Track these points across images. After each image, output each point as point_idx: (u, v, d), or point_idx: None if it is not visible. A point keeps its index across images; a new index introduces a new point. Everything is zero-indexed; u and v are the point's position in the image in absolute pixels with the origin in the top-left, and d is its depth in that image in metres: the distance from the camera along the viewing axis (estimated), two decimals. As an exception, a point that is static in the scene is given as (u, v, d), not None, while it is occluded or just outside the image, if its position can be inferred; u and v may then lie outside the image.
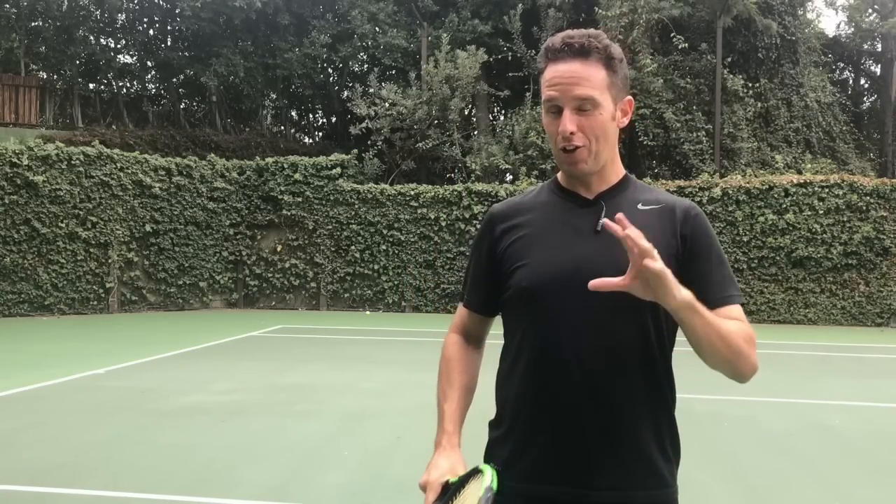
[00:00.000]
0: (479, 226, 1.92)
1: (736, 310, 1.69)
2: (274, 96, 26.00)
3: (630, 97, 1.77)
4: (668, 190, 17.07)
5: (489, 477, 1.55)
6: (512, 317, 1.79)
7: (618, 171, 1.79)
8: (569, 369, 1.66)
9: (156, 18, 24.51)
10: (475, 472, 1.62)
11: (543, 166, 19.04)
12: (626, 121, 1.75)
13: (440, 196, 17.88)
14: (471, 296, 1.91)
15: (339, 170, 18.28)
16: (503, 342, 1.83)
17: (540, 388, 1.69)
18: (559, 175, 1.84)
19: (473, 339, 1.94)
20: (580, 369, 1.66)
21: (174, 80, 24.95)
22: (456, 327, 1.95)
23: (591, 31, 1.71)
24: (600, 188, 1.76)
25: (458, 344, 1.91)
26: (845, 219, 16.01)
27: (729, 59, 20.98)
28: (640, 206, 1.75)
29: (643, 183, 1.86)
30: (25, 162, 15.31)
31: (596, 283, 1.50)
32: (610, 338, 1.66)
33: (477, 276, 1.89)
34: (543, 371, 1.69)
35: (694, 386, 8.06)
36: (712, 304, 1.62)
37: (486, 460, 1.79)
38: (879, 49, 27.73)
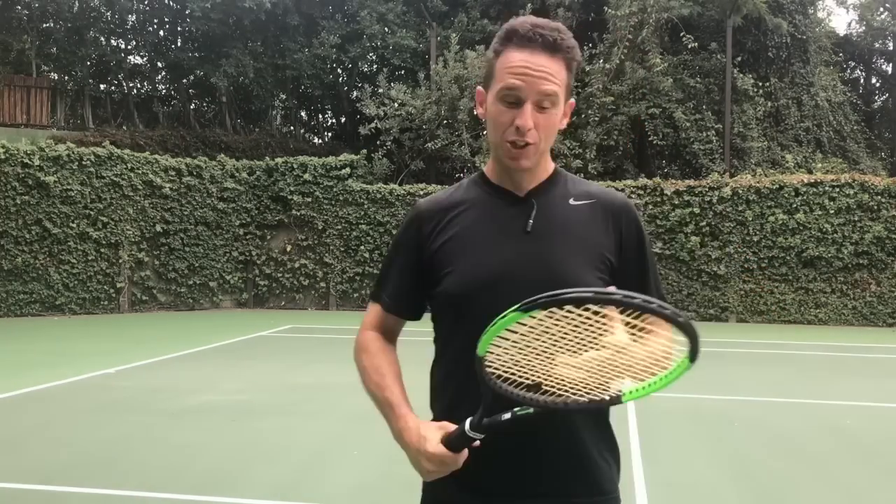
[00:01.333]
0: (402, 222, 1.82)
1: None
2: (283, 97, 26.03)
3: (573, 101, 1.71)
4: (677, 190, 17.12)
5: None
6: (442, 323, 1.74)
7: (548, 167, 1.74)
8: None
9: (166, 19, 24.58)
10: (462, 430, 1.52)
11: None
12: (565, 123, 1.69)
13: (449, 196, 17.84)
14: (392, 298, 1.81)
15: (348, 170, 18.30)
16: (434, 347, 1.78)
17: (473, 398, 1.52)
18: (487, 169, 1.77)
19: (391, 338, 1.86)
20: None
21: (184, 80, 25.02)
22: (371, 325, 1.84)
23: (559, 24, 1.64)
24: (531, 184, 1.70)
25: (378, 339, 1.82)
26: (856, 218, 15.92)
27: (739, 59, 20.90)
28: (571, 202, 1.71)
29: (573, 176, 1.80)
30: (37, 162, 15.39)
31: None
32: None
33: (400, 279, 1.79)
34: (469, 379, 1.52)
35: (703, 386, 8.05)
36: None
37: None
38: (891, 48, 27.59)
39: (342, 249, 18.25)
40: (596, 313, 1.35)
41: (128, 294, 16.87)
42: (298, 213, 18.29)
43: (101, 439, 6.07)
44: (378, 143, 20.91)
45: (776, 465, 5.54)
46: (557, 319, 1.36)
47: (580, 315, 1.36)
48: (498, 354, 1.43)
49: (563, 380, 1.42)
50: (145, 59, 24.87)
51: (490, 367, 1.45)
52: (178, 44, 25.10)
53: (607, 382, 1.41)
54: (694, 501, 4.83)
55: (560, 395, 1.44)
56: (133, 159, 16.80)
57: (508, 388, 1.46)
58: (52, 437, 6.15)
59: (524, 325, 1.37)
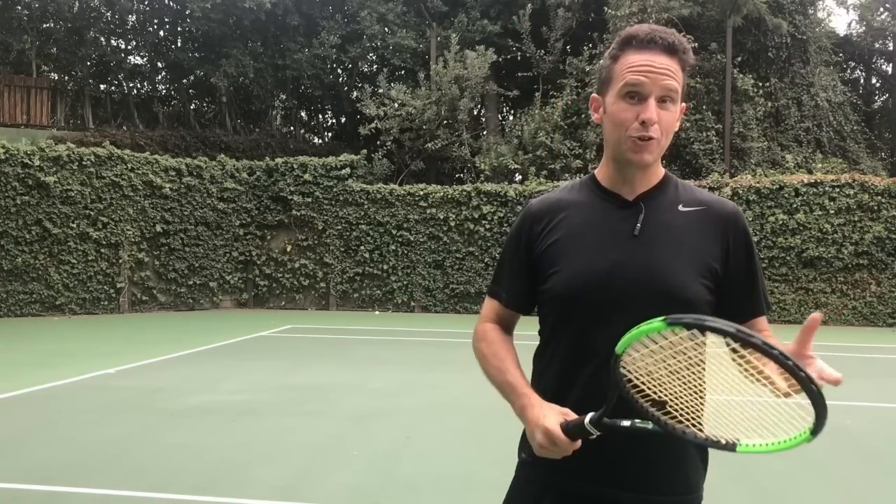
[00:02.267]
0: (515, 220, 1.90)
1: (764, 321, 1.75)
2: (283, 97, 26.05)
3: (684, 104, 1.76)
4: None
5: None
6: (547, 320, 1.78)
7: (659, 172, 1.78)
8: (600, 380, 1.61)
9: (166, 20, 24.60)
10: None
11: (553, 166, 19.02)
12: (678, 125, 1.74)
13: (449, 196, 17.87)
14: (506, 292, 1.87)
15: (348, 170, 18.30)
16: (538, 342, 1.83)
17: (574, 393, 1.68)
18: (598, 172, 1.81)
19: (507, 329, 1.92)
20: None
21: (184, 80, 25.03)
22: (488, 318, 1.91)
23: (674, 31, 1.71)
24: (642, 188, 1.74)
25: (496, 330, 1.89)
26: (856, 218, 15.92)
27: (739, 59, 20.89)
28: (680, 208, 1.73)
29: (683, 181, 1.84)
30: (37, 163, 15.39)
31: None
32: None
33: (512, 274, 1.85)
34: (578, 376, 1.68)
35: (704, 386, 8.05)
36: (746, 314, 1.68)
37: (519, 450, 1.83)
38: (891, 48, 27.59)
39: (342, 249, 18.25)
40: (735, 351, 1.37)
41: (128, 294, 16.87)
42: (298, 214, 18.29)
43: (101, 439, 6.07)
44: (378, 143, 20.93)
45: (776, 465, 5.54)
46: (697, 344, 1.39)
47: (719, 347, 1.39)
48: (634, 359, 1.45)
49: (688, 408, 1.45)
50: (145, 59, 24.89)
51: (624, 368, 1.46)
52: (178, 44, 25.12)
53: (728, 427, 1.45)
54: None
55: (680, 423, 1.47)
56: (133, 159, 16.81)
57: (636, 396, 1.48)
58: (52, 437, 6.15)
59: (665, 338, 1.39)
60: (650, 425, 1.49)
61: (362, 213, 18.17)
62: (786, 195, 16.21)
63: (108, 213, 16.38)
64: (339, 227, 18.22)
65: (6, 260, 15.22)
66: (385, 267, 18.09)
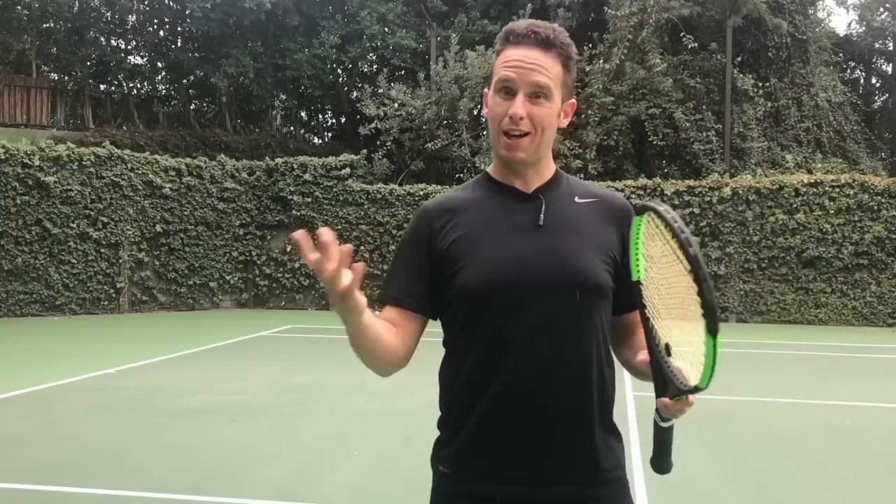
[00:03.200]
0: (409, 223, 1.83)
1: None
2: (283, 97, 26.04)
3: (574, 101, 1.76)
4: (678, 190, 17.14)
5: None
6: (456, 319, 1.72)
7: (551, 168, 1.78)
8: (521, 369, 1.63)
9: (166, 20, 24.59)
10: None
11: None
12: (566, 122, 1.74)
13: (449, 196, 17.85)
14: (401, 293, 1.75)
15: (348, 170, 18.31)
16: (446, 350, 1.78)
17: (492, 388, 1.64)
18: (490, 169, 1.80)
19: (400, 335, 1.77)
20: (533, 369, 1.63)
21: (184, 80, 25.03)
22: None
23: (555, 25, 1.70)
24: (536, 183, 1.75)
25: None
26: (856, 218, 15.92)
27: (739, 59, 20.89)
28: (576, 199, 1.76)
29: (572, 176, 1.85)
30: (37, 163, 15.39)
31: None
32: (563, 333, 1.64)
33: (408, 274, 1.76)
34: (497, 368, 1.64)
35: (704, 386, 8.05)
36: (630, 305, 1.67)
37: (433, 462, 1.79)
38: (891, 48, 27.60)
39: (342, 249, 18.23)
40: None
41: (128, 294, 16.87)
42: (298, 214, 18.29)
43: (100, 439, 6.07)
44: (378, 143, 20.91)
45: (776, 465, 5.54)
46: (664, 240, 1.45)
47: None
48: (649, 277, 1.57)
49: (683, 342, 1.49)
50: (145, 59, 24.89)
51: (645, 296, 1.56)
52: (178, 44, 25.12)
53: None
54: (694, 501, 4.82)
55: (680, 370, 1.48)
56: (133, 159, 16.80)
57: (660, 351, 1.52)
58: (52, 436, 6.15)
59: (654, 227, 1.50)
60: (669, 421, 1.55)
61: (362, 214, 18.18)
62: (786, 195, 16.21)
63: (108, 213, 16.37)
64: (339, 227, 18.22)
65: (6, 260, 15.22)
66: (385, 267, 18.09)
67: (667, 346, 1.49)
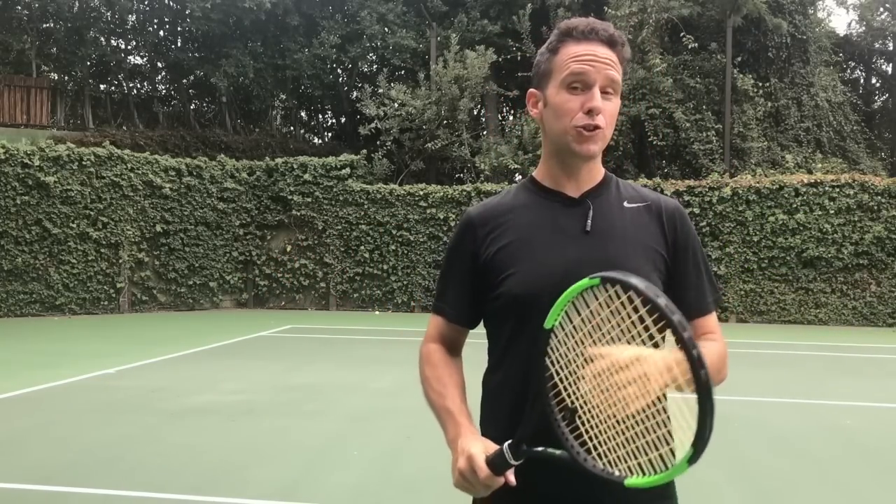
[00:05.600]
0: (454, 231, 1.81)
1: (712, 319, 1.72)
2: (283, 97, 26.05)
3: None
4: (677, 190, 17.13)
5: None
6: (501, 327, 1.71)
7: (601, 169, 1.76)
8: None
9: (166, 20, 24.60)
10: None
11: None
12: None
13: (449, 196, 17.88)
14: (452, 307, 1.78)
15: (348, 170, 18.31)
16: (487, 357, 1.77)
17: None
18: (537, 174, 1.77)
19: (453, 349, 1.83)
20: None
21: (184, 80, 25.04)
22: (433, 338, 1.82)
23: (609, 24, 1.69)
24: (587, 185, 1.71)
25: (440, 351, 1.80)
26: (856, 218, 15.92)
27: (739, 59, 20.89)
28: (626, 204, 1.72)
29: (623, 180, 1.82)
30: (37, 163, 15.39)
31: None
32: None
33: (459, 287, 1.76)
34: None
35: (704, 386, 8.04)
36: (691, 311, 1.63)
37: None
38: (891, 48, 27.60)
39: (342, 249, 18.26)
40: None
41: (128, 294, 16.87)
42: (298, 214, 18.29)
43: (101, 439, 6.06)
44: (378, 143, 20.93)
45: (776, 465, 5.54)
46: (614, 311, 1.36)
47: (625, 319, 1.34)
48: (559, 341, 1.43)
49: (597, 418, 1.37)
50: (145, 59, 24.90)
51: (550, 355, 1.43)
52: (178, 44, 25.13)
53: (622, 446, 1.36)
54: (694, 501, 4.82)
55: (585, 443, 1.38)
56: (133, 159, 16.81)
57: (553, 403, 1.42)
58: (52, 437, 6.15)
59: (596, 299, 1.38)
60: (559, 451, 1.38)
61: (362, 213, 18.18)
62: (786, 195, 16.21)
63: (108, 213, 16.38)
64: (339, 227, 18.23)
65: (6, 260, 15.22)
66: (385, 267, 18.09)
67: (573, 411, 1.38)
